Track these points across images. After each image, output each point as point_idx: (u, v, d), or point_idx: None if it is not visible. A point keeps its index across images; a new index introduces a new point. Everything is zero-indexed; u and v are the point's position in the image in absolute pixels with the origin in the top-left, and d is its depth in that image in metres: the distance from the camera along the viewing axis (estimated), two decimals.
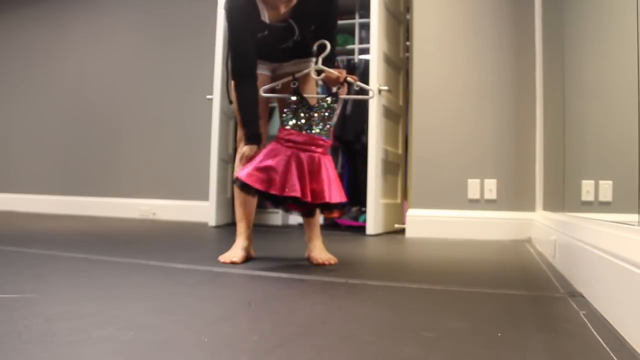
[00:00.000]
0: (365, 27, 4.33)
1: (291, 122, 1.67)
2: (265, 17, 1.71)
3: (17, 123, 4.89)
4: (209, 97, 3.67)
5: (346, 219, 4.08)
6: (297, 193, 1.57)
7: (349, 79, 1.73)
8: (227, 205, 3.72)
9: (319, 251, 1.79)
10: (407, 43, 3.59)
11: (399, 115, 3.59)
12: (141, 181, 4.26)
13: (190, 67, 4.13)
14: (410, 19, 3.26)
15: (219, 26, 3.56)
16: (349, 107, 4.01)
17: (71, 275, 1.40)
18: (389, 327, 0.93)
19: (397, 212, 3.50)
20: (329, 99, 1.71)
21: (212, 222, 3.51)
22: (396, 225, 3.41)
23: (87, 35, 4.63)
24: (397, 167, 3.56)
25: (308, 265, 1.72)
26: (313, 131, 1.67)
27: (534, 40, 2.91)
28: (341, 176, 4.10)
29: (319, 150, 1.66)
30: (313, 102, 1.71)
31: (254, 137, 1.71)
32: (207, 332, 0.84)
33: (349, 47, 4.43)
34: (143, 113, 4.32)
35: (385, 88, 3.14)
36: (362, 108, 3.66)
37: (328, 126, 1.70)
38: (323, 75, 1.73)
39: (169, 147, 4.19)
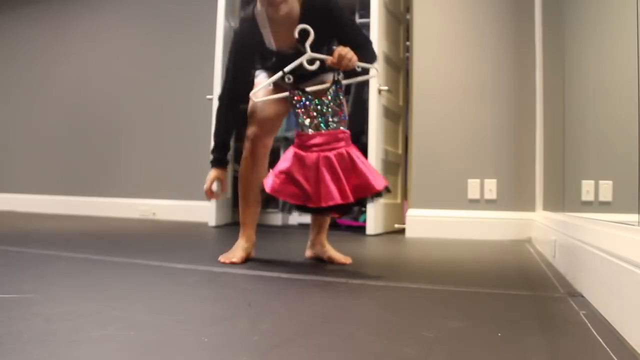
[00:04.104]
0: (365, 27, 4.33)
1: (307, 122, 1.56)
2: (272, 43, 1.67)
3: (17, 123, 4.89)
4: (209, 97, 3.67)
5: (346, 218, 4.07)
6: (337, 200, 1.45)
7: (349, 65, 1.55)
8: (227, 205, 3.72)
9: (334, 251, 1.80)
10: (407, 43, 3.59)
11: (399, 115, 3.59)
12: (141, 181, 4.26)
13: (191, 67, 4.13)
14: (410, 19, 3.26)
15: (219, 26, 3.56)
16: (349, 107, 4.01)
17: (71, 275, 1.40)
18: (389, 327, 0.93)
19: (397, 212, 3.51)
20: (332, 87, 1.58)
21: (212, 222, 3.51)
22: (396, 225, 3.41)
23: (87, 35, 4.63)
24: (397, 167, 3.56)
25: (308, 265, 1.72)
26: (330, 126, 1.55)
27: (534, 40, 2.91)
28: None
29: (342, 143, 1.54)
30: (320, 94, 1.59)
31: (217, 162, 1.78)
32: (207, 332, 0.84)
33: None
34: (143, 113, 4.32)
35: (385, 88, 3.14)
36: (362, 108, 3.66)
37: (342, 116, 1.57)
38: (317, 64, 1.60)
39: (169, 147, 4.19)
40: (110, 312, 0.95)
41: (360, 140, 3.86)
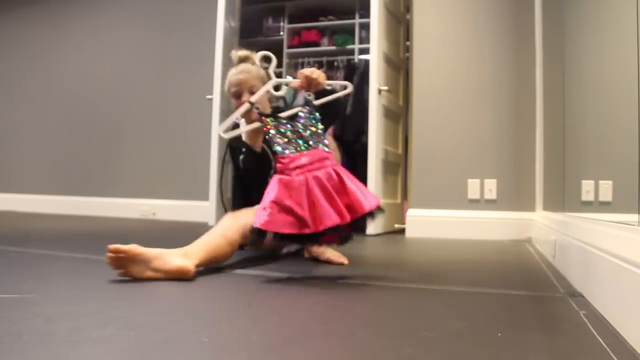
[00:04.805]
0: (365, 27, 4.34)
1: (285, 145, 1.44)
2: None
3: (17, 123, 4.89)
4: (209, 97, 3.67)
5: None
6: (335, 220, 1.32)
7: (319, 85, 1.52)
8: (228, 205, 3.72)
9: (332, 251, 1.78)
10: (407, 43, 3.60)
11: (399, 115, 3.59)
12: (141, 181, 4.26)
13: (191, 67, 4.13)
14: (410, 19, 3.26)
15: (219, 26, 3.56)
16: (349, 107, 4.01)
17: (71, 275, 1.40)
18: (389, 327, 0.93)
19: (397, 212, 3.51)
20: (305, 108, 1.50)
21: (212, 222, 3.51)
22: (396, 225, 3.41)
23: (87, 35, 4.63)
24: (397, 167, 3.56)
25: (308, 265, 1.72)
26: (311, 147, 1.45)
27: (534, 40, 2.91)
28: None
29: (328, 162, 1.43)
30: (295, 118, 1.49)
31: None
32: (207, 332, 0.84)
33: (349, 47, 4.43)
34: (143, 113, 4.32)
35: (385, 88, 3.14)
36: (362, 108, 3.66)
37: (322, 139, 1.48)
38: (284, 90, 1.60)
39: (169, 147, 4.19)
40: (110, 312, 0.95)
41: (360, 140, 3.87)
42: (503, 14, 3.02)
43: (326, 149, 1.46)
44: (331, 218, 1.31)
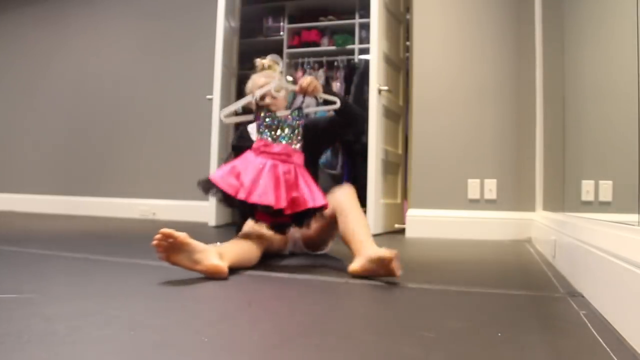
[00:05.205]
0: (365, 27, 4.33)
1: (269, 133, 1.69)
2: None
3: (17, 123, 4.89)
4: (209, 97, 3.67)
5: None
6: (268, 201, 1.49)
7: (315, 92, 1.76)
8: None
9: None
10: (407, 43, 3.60)
11: (399, 115, 3.59)
12: (141, 181, 4.26)
13: (191, 67, 4.13)
14: (410, 19, 3.26)
15: (219, 26, 3.56)
16: None
17: (71, 275, 1.40)
18: (389, 327, 0.93)
19: (397, 212, 3.51)
20: (295, 112, 1.75)
21: (212, 222, 3.51)
22: (396, 225, 3.41)
23: (87, 35, 4.63)
24: (397, 167, 3.56)
25: (308, 265, 1.72)
26: (289, 143, 1.69)
27: (534, 40, 2.91)
28: (341, 176, 4.10)
29: (294, 160, 1.66)
30: (285, 117, 1.73)
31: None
32: (207, 332, 0.84)
33: (349, 47, 4.43)
34: (143, 113, 4.32)
35: (385, 88, 3.14)
36: (362, 108, 3.66)
37: (299, 138, 1.72)
38: (283, 92, 1.84)
39: (169, 147, 4.19)
40: (110, 312, 0.95)
41: (360, 140, 3.87)
42: (503, 14, 3.02)
43: (297, 148, 1.70)
44: (263, 198, 1.50)
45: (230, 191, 1.53)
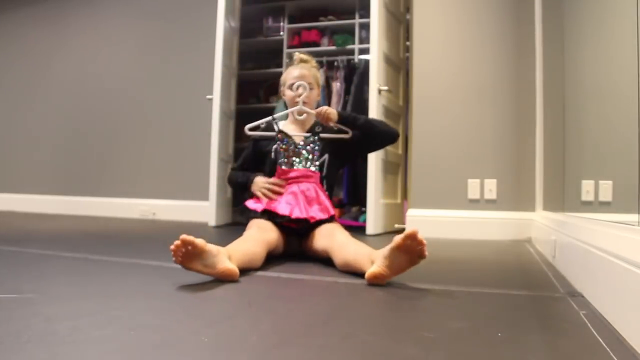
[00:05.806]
0: (365, 27, 4.33)
1: (284, 159, 1.97)
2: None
3: (17, 123, 4.89)
4: (209, 97, 3.67)
5: (346, 218, 4.08)
6: (319, 216, 1.86)
7: (329, 120, 1.97)
8: (227, 205, 3.72)
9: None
10: (407, 43, 3.60)
11: (399, 115, 3.59)
12: (141, 181, 4.26)
13: (191, 67, 4.13)
14: (410, 19, 3.26)
15: (219, 26, 3.56)
16: (348, 107, 4.02)
17: (71, 275, 1.40)
18: (389, 327, 0.93)
19: (397, 212, 3.50)
20: (311, 137, 2.00)
21: (212, 222, 3.51)
22: (396, 225, 3.41)
23: (87, 35, 4.63)
24: (397, 167, 3.56)
25: (308, 265, 1.72)
26: (302, 165, 1.96)
27: (534, 40, 2.91)
28: (341, 176, 4.10)
29: (312, 179, 1.94)
30: (298, 140, 2.00)
31: (247, 178, 2.04)
32: (207, 332, 0.84)
33: (349, 47, 4.43)
34: (143, 113, 4.32)
35: (385, 88, 3.14)
36: (362, 108, 3.66)
37: (316, 161, 1.98)
38: (304, 115, 2.04)
39: (169, 147, 4.19)
40: (110, 312, 0.95)
41: None
42: (503, 14, 3.02)
43: (313, 169, 1.97)
44: (315, 213, 1.87)
45: (288, 213, 1.84)
